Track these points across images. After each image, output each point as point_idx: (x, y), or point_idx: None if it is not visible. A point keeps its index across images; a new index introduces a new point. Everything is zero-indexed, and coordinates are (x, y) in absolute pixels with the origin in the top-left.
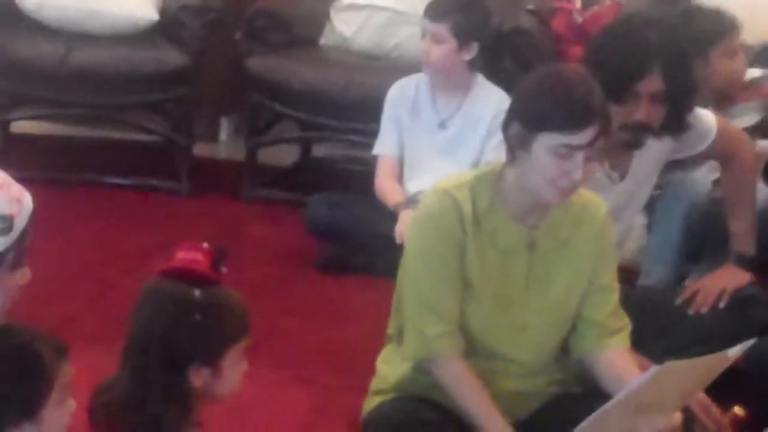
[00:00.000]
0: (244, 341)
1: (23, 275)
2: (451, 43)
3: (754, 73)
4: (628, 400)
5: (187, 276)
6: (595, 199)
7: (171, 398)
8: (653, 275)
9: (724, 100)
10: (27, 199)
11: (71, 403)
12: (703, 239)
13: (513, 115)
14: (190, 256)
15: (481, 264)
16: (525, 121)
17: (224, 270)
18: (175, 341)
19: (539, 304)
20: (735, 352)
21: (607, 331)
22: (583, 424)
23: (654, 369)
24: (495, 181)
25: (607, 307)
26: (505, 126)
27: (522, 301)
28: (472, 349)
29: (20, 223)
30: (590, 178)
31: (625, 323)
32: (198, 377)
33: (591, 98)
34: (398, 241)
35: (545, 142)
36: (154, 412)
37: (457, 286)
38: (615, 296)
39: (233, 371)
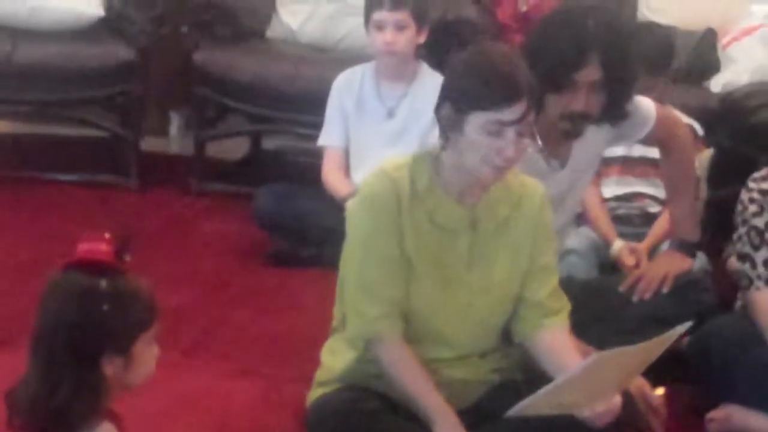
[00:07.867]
0: (154, 327)
1: None
2: (413, 29)
3: None
4: (564, 385)
5: (91, 266)
6: (533, 182)
7: (81, 389)
8: None
9: None
10: None
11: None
12: None
13: (443, 97)
14: (93, 246)
15: (418, 241)
16: (455, 103)
17: (128, 258)
18: (84, 333)
19: (482, 284)
20: (672, 335)
21: (547, 311)
22: (517, 407)
23: (592, 358)
24: (433, 162)
25: (548, 287)
26: (437, 109)
27: (465, 281)
28: (418, 334)
29: None
30: (524, 155)
31: (565, 303)
32: (110, 366)
33: (516, 75)
34: None
35: (476, 121)
36: (62, 404)
37: (399, 267)
38: (555, 277)
39: (145, 357)
